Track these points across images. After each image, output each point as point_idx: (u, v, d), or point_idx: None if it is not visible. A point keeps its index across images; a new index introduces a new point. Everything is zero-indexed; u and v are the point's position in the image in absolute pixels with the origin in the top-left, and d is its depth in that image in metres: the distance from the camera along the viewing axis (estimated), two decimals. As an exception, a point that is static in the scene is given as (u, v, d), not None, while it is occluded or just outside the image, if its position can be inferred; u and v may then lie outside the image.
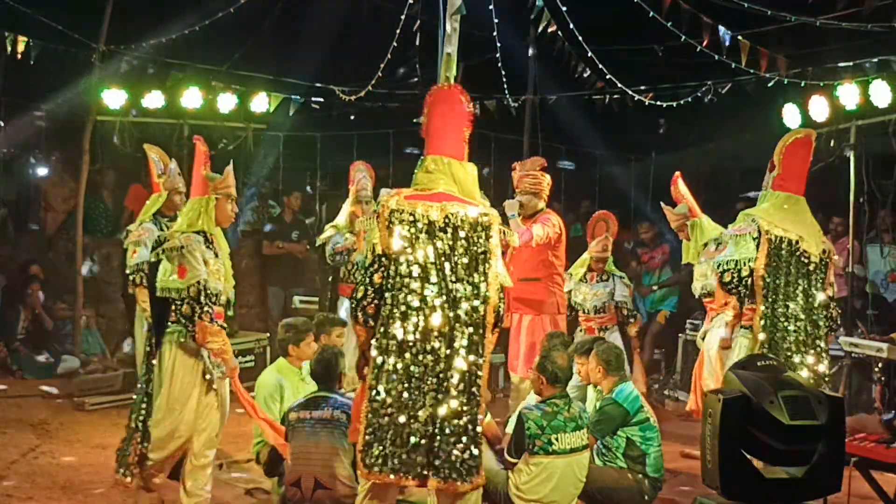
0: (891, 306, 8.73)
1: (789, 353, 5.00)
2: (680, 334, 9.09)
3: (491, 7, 7.14)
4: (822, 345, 5.16)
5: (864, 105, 7.83)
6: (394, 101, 9.92)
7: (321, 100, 10.13)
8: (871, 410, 6.92)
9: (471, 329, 4.11)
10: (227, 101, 9.94)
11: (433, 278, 4.08)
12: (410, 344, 4.05)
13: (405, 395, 4.04)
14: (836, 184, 8.62)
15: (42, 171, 11.20)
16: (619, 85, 8.74)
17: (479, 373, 4.12)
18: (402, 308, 4.06)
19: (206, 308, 4.77)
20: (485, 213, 4.22)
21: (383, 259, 4.10)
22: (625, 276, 7.29)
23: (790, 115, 8.66)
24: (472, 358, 4.10)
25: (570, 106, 10.83)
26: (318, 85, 10.05)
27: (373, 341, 4.12)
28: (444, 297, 4.08)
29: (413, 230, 4.09)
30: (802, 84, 8.22)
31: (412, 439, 4.03)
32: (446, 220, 4.12)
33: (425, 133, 4.37)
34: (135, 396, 5.48)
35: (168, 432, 4.93)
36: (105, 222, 10.50)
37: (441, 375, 4.06)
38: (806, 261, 5.07)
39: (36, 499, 5.44)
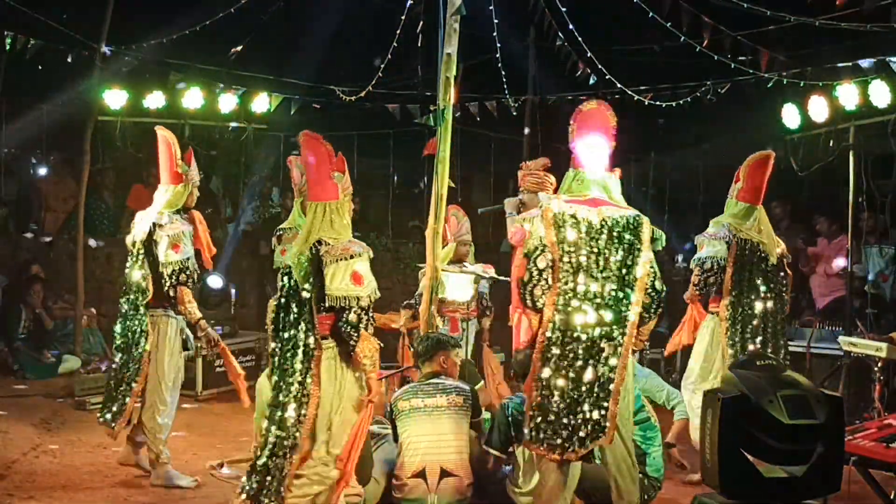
0: (890, 306, 8.75)
1: (748, 338, 5.80)
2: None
3: (491, 7, 7.14)
4: (780, 333, 5.94)
5: (864, 105, 7.84)
6: (394, 102, 9.93)
7: (321, 100, 10.14)
8: (870, 410, 6.93)
9: (622, 325, 4.51)
10: (227, 102, 9.95)
11: (593, 273, 4.49)
12: (573, 334, 4.44)
13: (562, 381, 4.43)
14: (836, 184, 8.63)
15: (42, 171, 11.20)
16: (619, 85, 8.74)
17: (622, 364, 4.52)
18: (564, 299, 4.47)
19: (372, 317, 4.70)
20: (637, 216, 4.64)
21: (548, 254, 4.52)
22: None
23: (789, 115, 8.67)
24: (618, 342, 4.49)
25: (570, 106, 10.82)
26: (318, 85, 10.06)
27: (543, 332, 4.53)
28: (601, 291, 4.48)
29: (576, 230, 4.51)
30: (802, 84, 8.23)
31: (569, 419, 4.43)
32: (602, 223, 4.54)
33: (574, 146, 4.81)
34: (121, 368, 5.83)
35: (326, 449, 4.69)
36: (106, 223, 10.51)
37: (595, 360, 4.45)
38: (765, 261, 5.86)
39: (37, 498, 5.44)
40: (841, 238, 8.85)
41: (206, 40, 8.96)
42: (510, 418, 5.06)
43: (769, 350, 5.78)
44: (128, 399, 5.72)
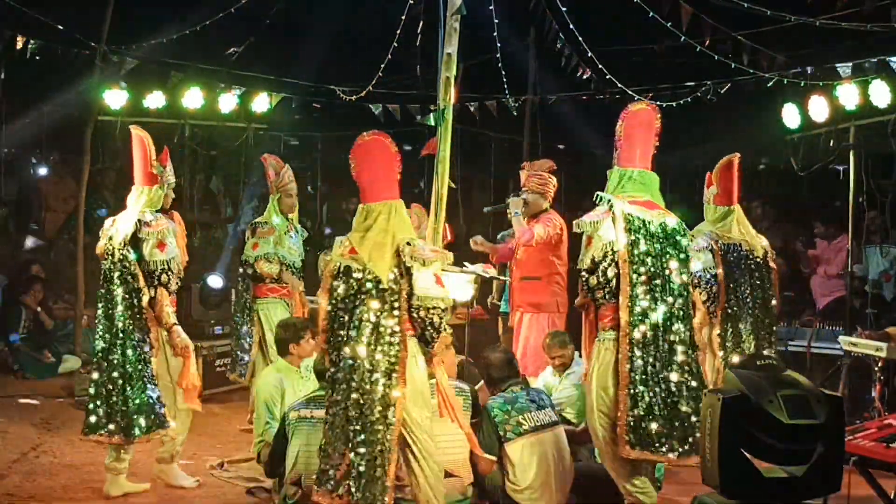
0: (890, 306, 8.74)
1: (743, 339, 5.86)
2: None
3: (491, 7, 7.14)
4: (772, 333, 6.08)
5: (864, 105, 7.84)
6: (394, 102, 9.93)
7: (322, 100, 10.14)
8: (870, 410, 6.93)
9: (685, 320, 4.71)
10: (227, 101, 9.95)
11: (656, 275, 4.65)
12: (649, 340, 4.62)
13: (640, 387, 4.61)
14: (836, 184, 8.63)
15: (42, 171, 11.20)
16: (619, 85, 8.74)
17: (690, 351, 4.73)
18: (632, 301, 4.61)
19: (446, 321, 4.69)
20: (680, 221, 4.84)
21: (616, 264, 4.67)
22: None
23: (790, 115, 8.67)
24: (684, 341, 4.70)
25: (570, 106, 10.83)
26: (318, 85, 10.05)
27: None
28: (663, 291, 4.65)
29: (645, 237, 4.68)
30: (802, 84, 8.23)
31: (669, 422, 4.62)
32: (662, 227, 4.73)
33: (621, 146, 4.93)
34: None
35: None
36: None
37: (665, 360, 4.63)
38: (751, 260, 5.94)
39: (37, 498, 5.45)
40: (841, 239, 8.85)
41: (206, 40, 8.97)
42: (494, 419, 5.08)
43: (763, 350, 5.82)
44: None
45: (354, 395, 4.40)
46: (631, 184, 4.84)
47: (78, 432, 6.92)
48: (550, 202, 6.91)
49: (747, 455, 3.49)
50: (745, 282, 5.88)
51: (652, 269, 4.65)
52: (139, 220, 5.49)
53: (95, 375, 5.56)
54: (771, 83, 8.39)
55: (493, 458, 5.04)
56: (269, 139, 11.26)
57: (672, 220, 4.79)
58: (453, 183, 6.12)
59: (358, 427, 4.38)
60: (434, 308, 4.50)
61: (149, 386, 5.51)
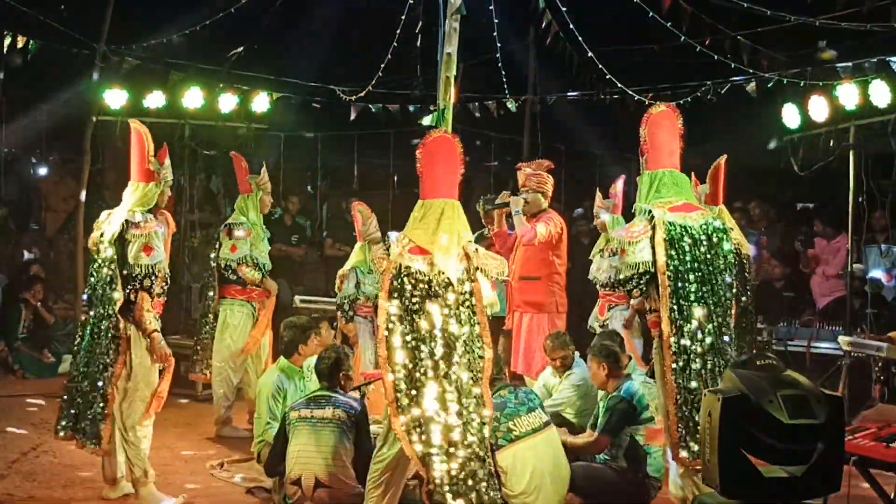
0: (890, 306, 8.74)
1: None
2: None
3: (491, 7, 7.14)
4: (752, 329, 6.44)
5: (864, 105, 7.83)
6: (394, 102, 9.93)
7: (321, 99, 10.14)
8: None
9: (729, 319, 4.72)
10: (227, 101, 9.96)
11: (704, 279, 4.64)
12: (694, 345, 4.59)
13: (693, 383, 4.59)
14: (835, 184, 8.62)
15: (42, 171, 11.20)
16: (619, 85, 8.74)
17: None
18: (679, 310, 4.60)
19: None
20: (722, 221, 4.88)
21: (649, 275, 4.67)
22: None
23: (789, 115, 8.67)
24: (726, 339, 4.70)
25: (570, 106, 10.83)
26: (318, 85, 10.05)
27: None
28: (710, 294, 4.63)
29: (689, 244, 4.66)
30: (802, 84, 8.23)
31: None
32: (703, 230, 4.71)
33: (647, 150, 4.96)
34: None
35: None
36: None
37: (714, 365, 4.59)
38: (738, 255, 5.95)
39: (37, 498, 5.45)
40: (839, 238, 8.85)
41: (206, 40, 8.96)
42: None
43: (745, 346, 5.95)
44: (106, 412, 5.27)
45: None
46: (665, 187, 4.83)
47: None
48: (550, 202, 6.89)
49: (747, 455, 3.49)
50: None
51: (697, 276, 4.63)
52: (127, 221, 5.28)
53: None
54: (771, 83, 8.39)
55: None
56: (269, 139, 11.26)
57: (715, 221, 4.79)
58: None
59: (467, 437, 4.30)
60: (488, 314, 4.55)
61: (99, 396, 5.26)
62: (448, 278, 4.39)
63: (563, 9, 7.72)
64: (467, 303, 4.41)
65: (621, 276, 4.82)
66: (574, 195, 11.66)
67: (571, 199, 11.45)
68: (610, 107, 9.82)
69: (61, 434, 5.43)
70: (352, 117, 9.57)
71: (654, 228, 4.66)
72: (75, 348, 5.49)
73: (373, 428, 5.37)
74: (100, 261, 5.34)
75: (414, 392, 4.31)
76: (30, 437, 6.77)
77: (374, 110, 9.73)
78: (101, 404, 5.25)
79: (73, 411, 5.38)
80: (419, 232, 4.50)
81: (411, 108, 10.02)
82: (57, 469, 6.03)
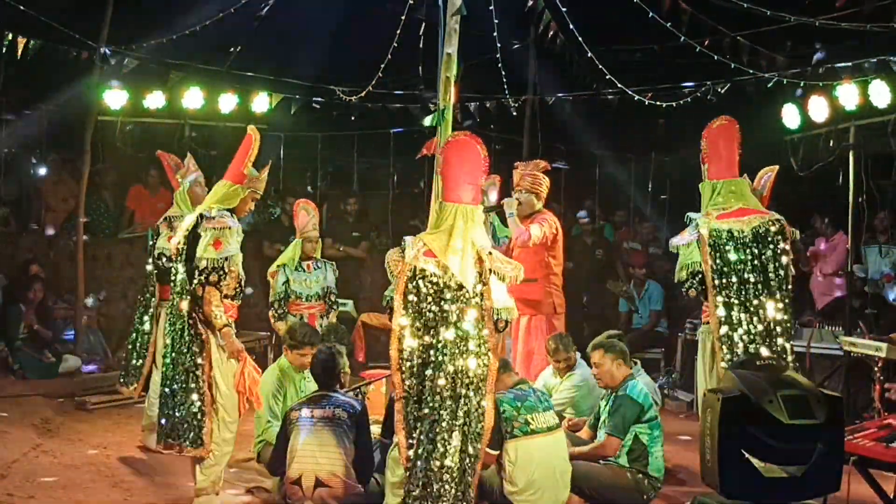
0: (890, 305, 8.74)
1: None
2: (679, 333, 9.10)
3: (491, 7, 7.14)
4: None
5: (864, 105, 7.83)
6: (394, 102, 9.93)
7: (321, 99, 10.14)
8: (870, 410, 6.93)
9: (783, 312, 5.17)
10: (227, 102, 9.95)
11: (752, 285, 5.12)
12: (743, 342, 5.11)
13: None
14: (835, 184, 8.63)
15: (42, 171, 11.19)
16: (619, 85, 8.74)
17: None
18: (723, 306, 5.13)
19: None
20: (778, 219, 5.25)
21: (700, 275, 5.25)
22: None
23: (789, 115, 8.66)
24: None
25: (570, 106, 10.83)
26: (318, 85, 10.05)
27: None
28: (756, 292, 5.10)
29: (731, 244, 5.15)
30: (802, 84, 8.23)
31: None
32: (755, 231, 5.16)
33: (707, 160, 5.52)
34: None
35: None
36: (106, 222, 10.51)
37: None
38: None
39: (37, 498, 5.44)
40: (836, 237, 8.85)
41: (206, 40, 8.95)
42: (503, 414, 4.95)
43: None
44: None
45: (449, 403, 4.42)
46: (722, 196, 5.37)
47: (78, 432, 6.96)
48: (543, 202, 6.84)
49: (747, 455, 3.49)
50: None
51: (742, 276, 5.16)
52: (202, 215, 5.20)
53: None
54: (771, 83, 8.38)
55: (495, 453, 5.01)
56: (268, 139, 11.26)
57: (766, 221, 5.23)
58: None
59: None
60: (503, 319, 4.63)
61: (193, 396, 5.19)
62: (460, 282, 4.47)
63: (564, 9, 7.72)
64: (478, 307, 4.47)
65: (679, 279, 5.45)
66: (574, 195, 11.67)
67: (572, 199, 11.46)
68: (609, 107, 9.82)
69: (160, 445, 5.37)
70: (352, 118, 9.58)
71: (699, 235, 5.25)
72: (164, 358, 5.37)
73: (373, 428, 5.38)
74: (181, 261, 5.29)
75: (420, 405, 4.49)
76: (30, 438, 6.76)
77: (372, 108, 9.73)
78: (199, 404, 5.18)
79: (163, 421, 5.29)
80: (432, 238, 4.59)
81: (412, 108, 10.01)
82: (58, 469, 6.03)
